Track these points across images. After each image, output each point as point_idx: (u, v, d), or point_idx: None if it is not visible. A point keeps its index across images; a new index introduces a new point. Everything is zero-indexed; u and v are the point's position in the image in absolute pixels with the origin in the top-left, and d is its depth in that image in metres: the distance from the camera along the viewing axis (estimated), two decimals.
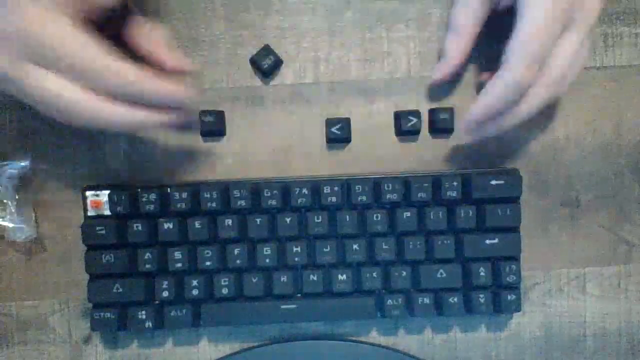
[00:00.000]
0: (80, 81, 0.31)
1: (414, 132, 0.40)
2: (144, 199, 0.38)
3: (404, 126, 0.40)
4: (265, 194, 0.38)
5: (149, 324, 0.39)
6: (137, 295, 0.39)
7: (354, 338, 0.41)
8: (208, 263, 0.39)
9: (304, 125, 0.41)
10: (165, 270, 0.39)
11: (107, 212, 0.39)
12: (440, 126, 0.40)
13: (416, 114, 0.40)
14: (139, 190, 0.38)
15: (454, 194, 0.38)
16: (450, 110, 0.40)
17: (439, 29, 0.41)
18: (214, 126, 0.40)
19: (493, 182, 0.38)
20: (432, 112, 0.40)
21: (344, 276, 0.39)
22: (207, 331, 0.41)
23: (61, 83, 0.31)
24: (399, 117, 0.40)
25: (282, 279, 0.39)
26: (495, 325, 0.42)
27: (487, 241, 0.39)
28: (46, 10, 0.30)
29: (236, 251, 0.39)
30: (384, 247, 0.39)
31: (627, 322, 0.42)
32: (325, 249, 0.39)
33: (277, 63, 0.40)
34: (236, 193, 0.38)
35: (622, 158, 0.41)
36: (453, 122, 0.40)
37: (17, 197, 0.40)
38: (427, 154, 0.41)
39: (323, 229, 0.39)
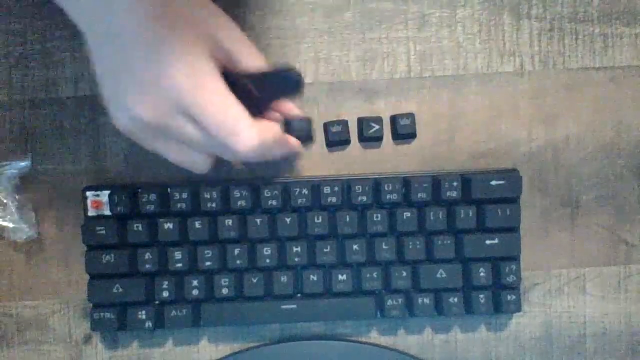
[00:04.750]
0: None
1: (376, 139, 0.41)
2: (144, 199, 0.38)
3: (366, 132, 0.40)
4: (265, 194, 0.38)
5: (149, 324, 0.39)
6: (137, 295, 0.39)
7: (354, 338, 0.41)
8: (208, 263, 0.39)
9: None
10: (165, 270, 0.39)
11: (107, 212, 0.39)
12: (402, 132, 0.40)
13: (378, 120, 0.40)
14: (139, 190, 0.38)
15: (454, 194, 0.38)
16: (412, 116, 0.40)
17: (439, 29, 0.41)
18: None
19: (493, 182, 0.38)
20: (393, 118, 0.40)
21: (344, 276, 0.39)
22: (207, 331, 0.41)
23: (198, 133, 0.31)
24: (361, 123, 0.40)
25: (282, 279, 0.39)
26: (495, 325, 0.42)
27: (487, 241, 0.39)
28: (197, 64, 0.30)
29: (236, 251, 0.39)
30: (384, 247, 0.39)
31: (627, 322, 0.42)
32: (325, 249, 0.39)
33: None
34: (236, 193, 0.38)
35: (622, 158, 0.41)
36: (415, 127, 0.40)
37: (17, 197, 0.40)
38: (426, 155, 0.41)
39: (323, 229, 0.39)
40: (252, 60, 0.34)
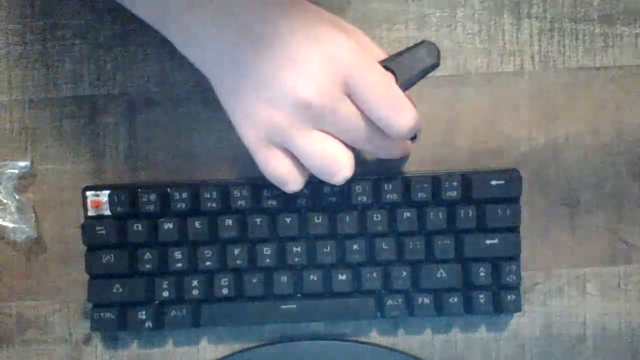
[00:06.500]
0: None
1: None
2: (144, 199, 0.38)
3: None
4: (265, 194, 0.38)
5: (149, 324, 0.39)
6: (137, 295, 0.39)
7: (354, 338, 0.41)
8: (208, 263, 0.39)
9: None
10: (165, 270, 0.39)
11: (107, 212, 0.39)
12: None
13: None
14: (139, 190, 0.38)
15: (454, 194, 0.38)
16: None
17: (438, 29, 0.41)
18: None
19: (493, 182, 0.38)
20: None
21: (344, 276, 0.39)
22: (207, 331, 0.41)
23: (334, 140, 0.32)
24: None
25: (282, 279, 0.39)
26: (495, 325, 0.42)
27: (487, 241, 0.39)
28: (360, 48, 0.31)
29: (236, 251, 0.39)
30: (384, 247, 0.39)
31: (627, 322, 0.42)
32: (325, 249, 0.39)
33: None
34: (236, 193, 0.38)
35: (622, 158, 0.41)
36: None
37: (17, 197, 0.40)
38: (426, 155, 0.41)
39: (323, 229, 0.39)
40: (377, 52, 0.35)
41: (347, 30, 0.33)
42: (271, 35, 0.30)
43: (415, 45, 0.33)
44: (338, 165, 0.32)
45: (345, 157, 0.32)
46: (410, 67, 0.33)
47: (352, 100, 0.31)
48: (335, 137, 0.32)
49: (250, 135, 0.32)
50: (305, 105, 0.30)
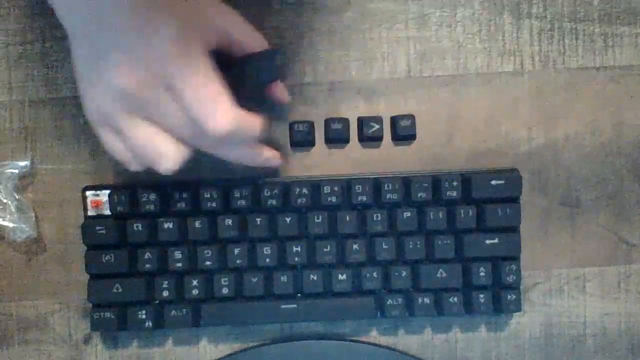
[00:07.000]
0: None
1: (376, 139, 0.41)
2: (144, 199, 0.38)
3: (366, 132, 0.40)
4: (265, 194, 0.38)
5: (149, 324, 0.39)
6: (137, 295, 0.39)
7: (354, 338, 0.41)
8: (208, 263, 0.39)
9: None
10: (165, 270, 0.39)
11: (107, 212, 0.39)
12: (402, 133, 0.40)
13: (378, 120, 0.40)
14: (139, 190, 0.39)
15: (454, 194, 0.38)
16: (412, 117, 0.40)
17: (438, 29, 0.41)
18: None
19: (493, 182, 0.38)
20: (393, 119, 0.40)
21: (344, 276, 0.39)
22: (207, 331, 0.41)
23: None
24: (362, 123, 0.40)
25: (282, 279, 0.39)
26: (495, 325, 0.42)
27: (487, 241, 0.39)
28: (188, 45, 0.30)
29: (236, 251, 0.39)
30: (384, 247, 0.39)
31: (627, 322, 0.42)
32: (325, 249, 0.39)
33: None
34: (236, 193, 0.38)
35: (622, 158, 0.41)
36: (415, 129, 0.40)
37: (17, 197, 0.40)
38: (426, 154, 0.41)
39: (323, 229, 0.39)
40: (247, 39, 0.34)
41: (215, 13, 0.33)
42: (119, 30, 0.30)
43: (266, 51, 0.33)
44: (160, 156, 0.32)
45: (169, 149, 0.32)
46: (254, 73, 0.33)
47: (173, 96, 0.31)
48: (165, 130, 0.32)
49: (89, 114, 0.33)
50: (120, 95, 0.30)
